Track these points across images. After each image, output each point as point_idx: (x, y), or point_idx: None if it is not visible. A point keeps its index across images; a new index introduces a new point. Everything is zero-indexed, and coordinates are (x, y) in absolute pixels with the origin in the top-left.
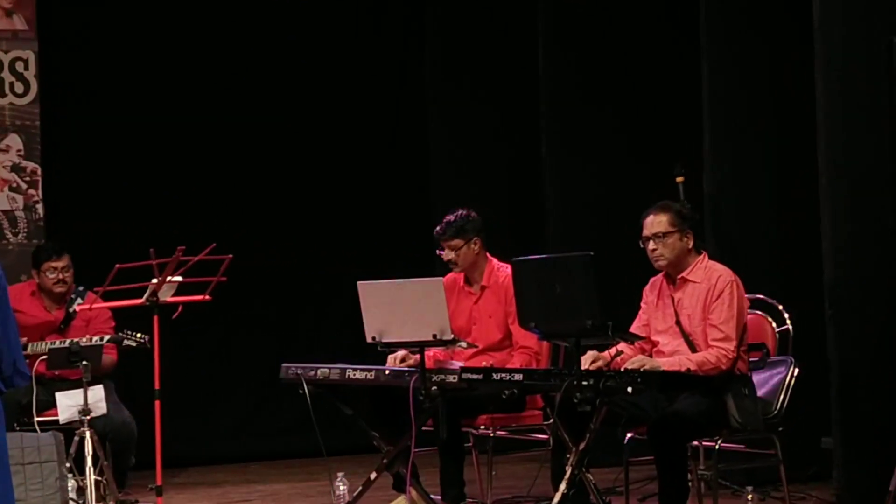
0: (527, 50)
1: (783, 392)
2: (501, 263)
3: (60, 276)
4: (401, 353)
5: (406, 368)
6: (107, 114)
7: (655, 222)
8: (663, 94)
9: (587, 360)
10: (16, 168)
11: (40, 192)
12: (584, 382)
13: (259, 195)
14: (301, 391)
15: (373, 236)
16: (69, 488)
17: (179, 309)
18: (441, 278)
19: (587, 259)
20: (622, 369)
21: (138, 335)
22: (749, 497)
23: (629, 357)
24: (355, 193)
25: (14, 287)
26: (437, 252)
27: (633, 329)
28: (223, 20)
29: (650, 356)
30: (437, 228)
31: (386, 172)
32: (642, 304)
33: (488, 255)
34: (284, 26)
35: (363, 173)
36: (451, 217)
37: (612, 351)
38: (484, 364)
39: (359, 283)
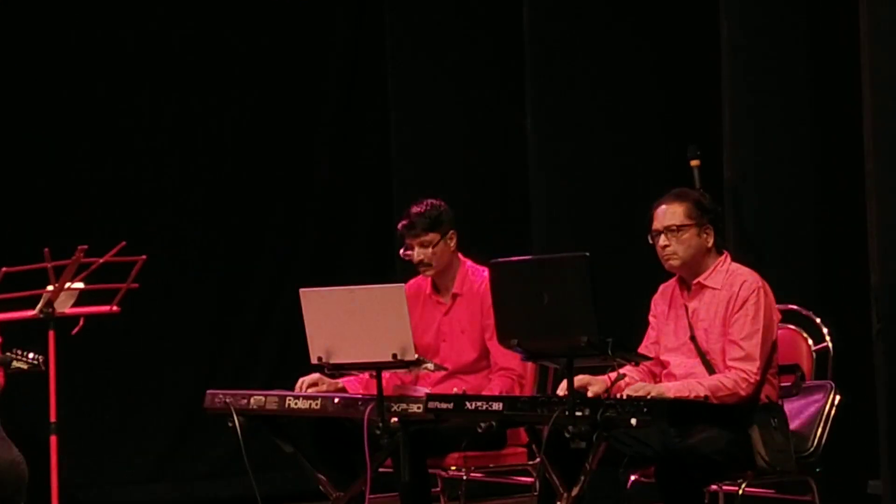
0: (509, 7)
1: (821, 424)
2: (477, 266)
3: None
4: (312, 376)
5: (360, 396)
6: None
7: (669, 213)
8: (674, 59)
9: (577, 384)
10: None
11: None
12: (578, 413)
13: (179, 183)
14: (230, 423)
15: (320, 234)
16: None
17: (81, 322)
18: (402, 285)
19: (582, 261)
20: (624, 397)
21: (30, 355)
22: None
23: (633, 382)
24: (297, 183)
25: None
26: (403, 253)
27: (641, 348)
28: None
29: (660, 380)
30: (404, 222)
31: (337, 158)
32: (650, 317)
33: (461, 256)
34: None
35: (307, 158)
36: (419, 208)
37: (613, 374)
38: (455, 390)
39: (301, 290)
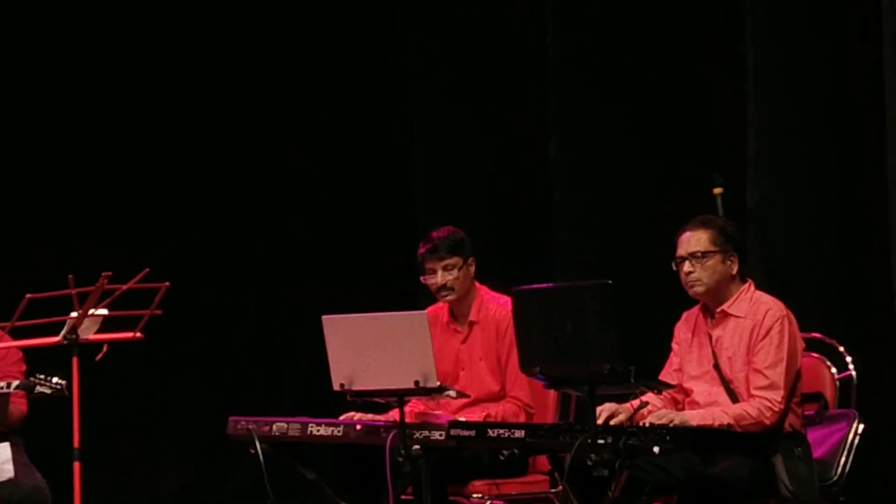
0: (532, 35)
1: (845, 453)
2: (493, 294)
3: None
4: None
5: (382, 423)
6: (13, 111)
7: (693, 240)
8: (697, 86)
9: (603, 414)
10: None
11: None
12: (601, 441)
13: (204, 210)
14: (253, 450)
15: (343, 262)
16: None
17: (104, 349)
18: (425, 312)
19: (604, 288)
20: (647, 425)
21: (54, 380)
22: None
23: (656, 410)
24: (321, 210)
25: None
26: (423, 278)
27: (663, 375)
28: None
29: (683, 408)
30: (426, 245)
31: (360, 185)
32: (673, 345)
33: (477, 284)
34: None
35: (331, 186)
36: (440, 233)
37: (636, 402)
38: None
39: (324, 317)
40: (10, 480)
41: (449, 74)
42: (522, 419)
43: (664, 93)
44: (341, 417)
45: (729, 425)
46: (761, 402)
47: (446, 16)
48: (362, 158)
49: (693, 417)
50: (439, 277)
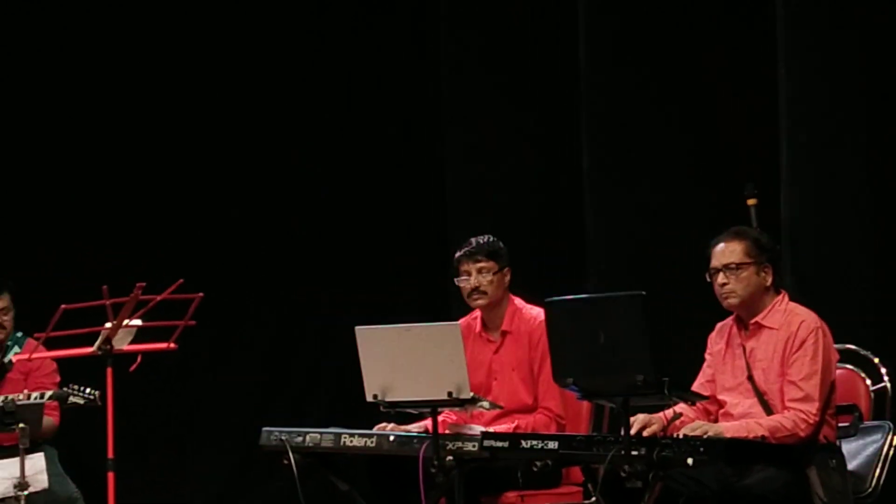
0: (563, 45)
1: (879, 465)
2: (525, 304)
3: None
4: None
5: (415, 434)
6: (48, 118)
7: (728, 251)
8: (731, 98)
9: (636, 425)
10: None
11: None
12: (634, 452)
13: (237, 220)
14: (286, 461)
15: (375, 273)
16: None
17: (138, 359)
18: (458, 323)
19: (638, 299)
20: (680, 436)
21: (87, 390)
22: None
23: (690, 421)
24: (354, 220)
25: None
26: (458, 280)
27: (696, 386)
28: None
29: (715, 419)
30: (466, 248)
31: (392, 198)
32: (706, 356)
33: (511, 294)
34: (263, 22)
35: (362, 198)
36: (479, 238)
37: (669, 413)
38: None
39: (357, 328)
40: (44, 490)
41: (481, 87)
42: (553, 430)
43: (697, 104)
44: (374, 428)
45: (763, 437)
46: (796, 415)
47: (481, 20)
48: (395, 170)
49: (728, 429)
50: (473, 280)
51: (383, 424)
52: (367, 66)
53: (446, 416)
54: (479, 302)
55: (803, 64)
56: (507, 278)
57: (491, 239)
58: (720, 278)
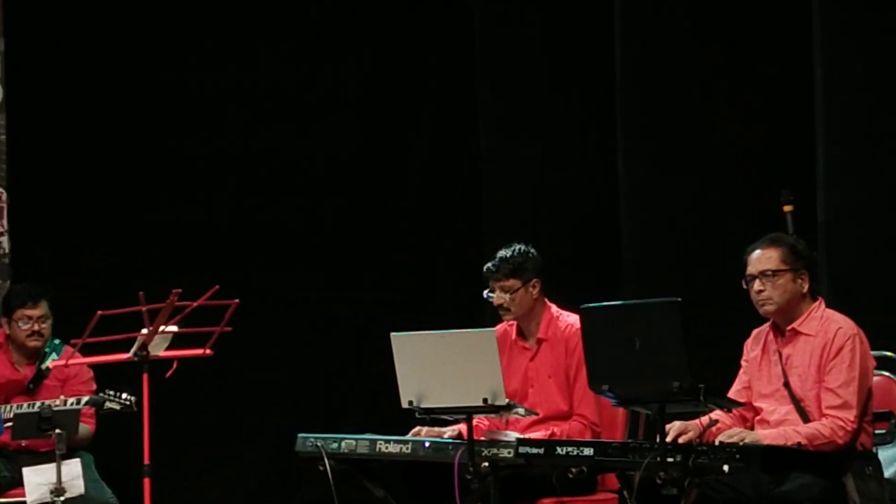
0: (599, 53)
1: None
2: (562, 311)
3: (35, 328)
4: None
5: (450, 440)
6: (88, 128)
7: (764, 258)
8: (766, 103)
9: (672, 432)
10: None
11: (6, 222)
12: (670, 459)
13: (272, 227)
14: (321, 467)
15: (409, 277)
16: None
17: (174, 365)
18: (493, 329)
19: (674, 306)
20: (716, 443)
21: (123, 396)
22: None
23: (726, 427)
24: (387, 225)
25: None
26: (486, 294)
27: (732, 393)
28: (225, 9)
29: (752, 426)
30: (489, 265)
31: (426, 201)
32: (743, 362)
33: (547, 301)
34: (299, 28)
35: (397, 202)
36: (506, 252)
37: (705, 420)
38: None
39: (392, 335)
40: (80, 496)
41: (518, 92)
42: (588, 438)
43: (735, 110)
44: (409, 433)
45: (799, 444)
46: (834, 422)
47: (516, 28)
48: (428, 176)
49: (765, 437)
50: (497, 297)
51: (417, 429)
52: (403, 72)
53: (479, 422)
54: (507, 317)
55: (840, 69)
56: (536, 290)
57: (516, 252)
58: (756, 285)
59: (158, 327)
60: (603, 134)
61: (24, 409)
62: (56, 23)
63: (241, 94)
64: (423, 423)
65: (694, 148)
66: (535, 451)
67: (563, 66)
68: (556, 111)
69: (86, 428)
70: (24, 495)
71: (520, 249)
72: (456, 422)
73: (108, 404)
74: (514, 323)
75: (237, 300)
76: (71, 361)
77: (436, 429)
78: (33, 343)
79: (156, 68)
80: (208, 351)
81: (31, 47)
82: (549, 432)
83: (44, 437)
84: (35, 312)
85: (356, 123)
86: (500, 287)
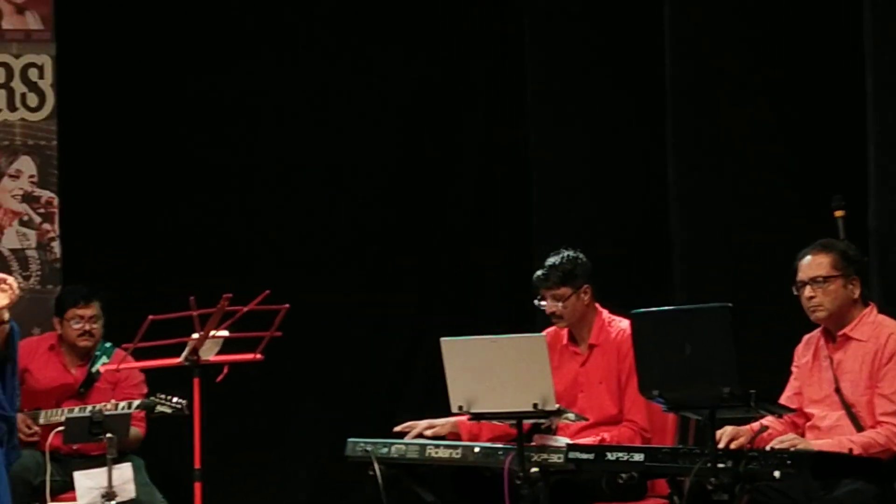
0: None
1: None
2: (613, 317)
3: (87, 328)
4: (423, 423)
5: (500, 445)
6: (139, 134)
7: (814, 264)
8: (817, 108)
9: (724, 437)
10: (28, 198)
11: (57, 226)
12: (721, 465)
13: (323, 232)
14: (371, 472)
15: (459, 281)
16: None
17: (225, 370)
18: (544, 334)
19: (725, 312)
20: (768, 449)
21: (174, 399)
22: None
23: (777, 434)
24: (436, 230)
25: (26, 342)
26: (537, 302)
27: (783, 399)
28: (276, 18)
29: (802, 432)
30: (539, 273)
31: (476, 205)
32: (793, 368)
33: (598, 306)
34: (349, 34)
35: (446, 205)
36: (555, 260)
37: (756, 426)
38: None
39: (442, 339)
40: (131, 500)
41: (567, 96)
42: (638, 443)
43: (786, 115)
44: (400, 427)
45: (850, 450)
46: (889, 429)
47: (566, 33)
48: (478, 179)
49: (819, 446)
50: (548, 305)
51: (410, 423)
52: (450, 77)
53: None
54: (559, 324)
55: (892, 74)
56: (587, 295)
57: (565, 259)
58: (807, 291)
59: (209, 332)
60: (653, 139)
61: (76, 413)
62: (106, 29)
63: (291, 100)
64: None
65: (745, 154)
66: (585, 456)
67: (614, 70)
68: (606, 116)
69: (136, 431)
70: (75, 499)
71: (569, 256)
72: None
73: (159, 407)
74: (566, 329)
75: (288, 305)
76: (122, 366)
77: (424, 421)
78: (84, 343)
79: (203, 73)
80: (259, 356)
81: (82, 53)
82: (598, 438)
83: (95, 441)
84: (87, 312)
85: (404, 128)
86: (552, 295)
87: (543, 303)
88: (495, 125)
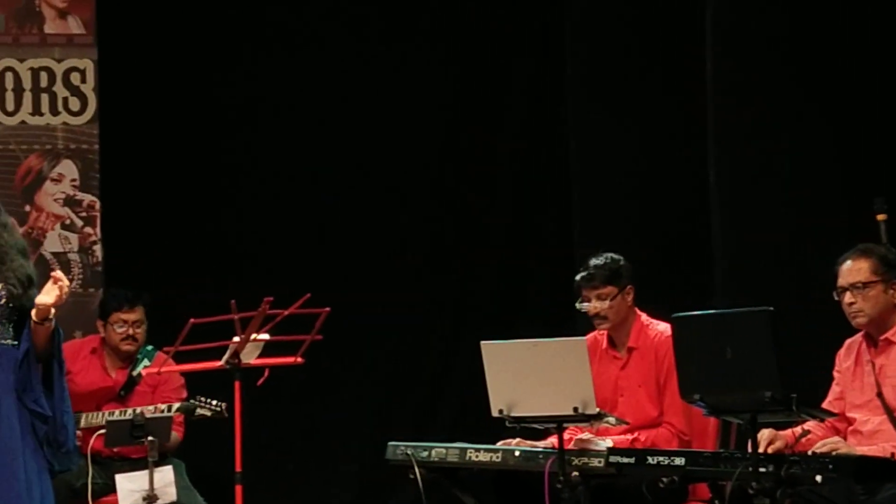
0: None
1: None
2: (651, 320)
3: (131, 332)
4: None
5: (540, 449)
6: (180, 138)
7: (854, 270)
8: (858, 110)
9: (763, 441)
10: (70, 201)
11: (99, 230)
12: (763, 469)
13: (363, 235)
14: (412, 476)
15: (499, 285)
16: None
17: (266, 373)
18: (584, 338)
19: (766, 315)
20: (809, 453)
21: (214, 402)
22: None
23: (818, 438)
24: (476, 233)
25: (68, 345)
26: (579, 304)
27: (825, 403)
28: (317, 24)
29: (844, 437)
30: (583, 273)
31: (516, 209)
32: (835, 373)
33: (637, 310)
34: (389, 35)
35: (486, 209)
36: (598, 260)
37: (798, 430)
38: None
39: (483, 343)
40: (172, 503)
41: (608, 98)
42: (675, 446)
43: (827, 117)
44: (500, 443)
45: (892, 454)
46: None
47: (608, 32)
48: (518, 183)
49: (862, 451)
50: (593, 306)
51: (509, 440)
52: (490, 77)
53: (571, 432)
54: (603, 326)
55: None
56: (630, 297)
57: (609, 260)
58: (847, 297)
59: (250, 335)
60: (695, 142)
61: (117, 416)
62: (148, 33)
63: (331, 101)
64: (513, 432)
65: (787, 157)
66: (625, 460)
67: (656, 71)
68: (648, 118)
69: (175, 435)
70: (116, 502)
71: (612, 257)
72: (548, 433)
73: (199, 410)
74: (605, 332)
75: (328, 308)
76: (163, 369)
77: (527, 442)
78: (127, 347)
79: (244, 76)
80: (300, 359)
81: (123, 57)
82: (633, 437)
83: (136, 444)
84: (131, 316)
85: (445, 129)
86: (597, 295)
87: (585, 304)
88: (536, 126)
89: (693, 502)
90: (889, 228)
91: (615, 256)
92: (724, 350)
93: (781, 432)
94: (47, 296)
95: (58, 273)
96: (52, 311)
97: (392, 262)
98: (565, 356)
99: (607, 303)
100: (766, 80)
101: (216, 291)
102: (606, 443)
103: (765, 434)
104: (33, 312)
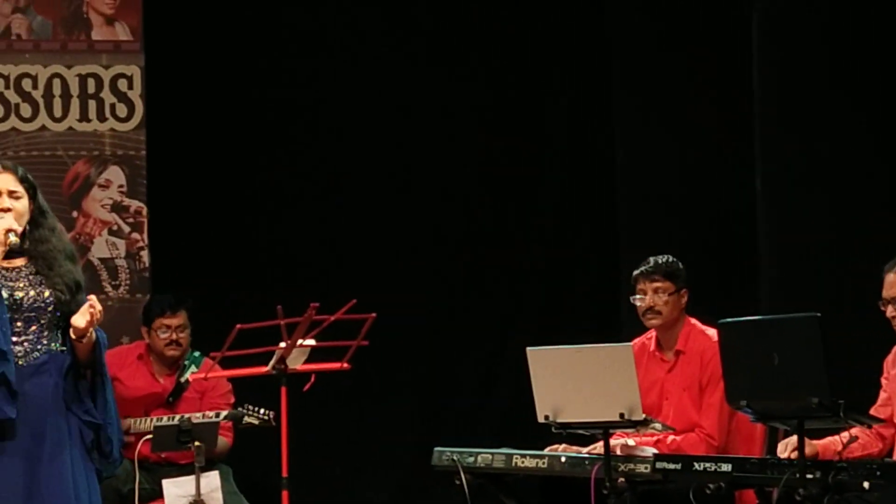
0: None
1: None
2: (701, 326)
3: (174, 337)
4: None
5: (586, 455)
6: (228, 143)
7: None
8: None
9: (790, 448)
10: (117, 207)
11: (146, 236)
12: (809, 475)
13: (409, 240)
14: (458, 481)
15: (544, 290)
16: None
17: (312, 379)
18: (630, 344)
19: (814, 321)
20: (857, 459)
21: (261, 411)
22: None
23: (865, 444)
24: (521, 239)
25: (115, 351)
26: (633, 298)
27: (872, 410)
28: (359, 26)
29: (891, 443)
30: (644, 267)
31: (562, 214)
32: (882, 380)
33: (686, 315)
34: (431, 38)
35: (531, 214)
36: (658, 258)
37: (845, 436)
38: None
39: (528, 349)
40: None
41: (653, 103)
42: (703, 450)
43: (873, 125)
44: (546, 449)
45: None
46: None
47: (653, 41)
48: (563, 189)
49: None
50: (648, 299)
51: (555, 446)
52: (536, 84)
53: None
54: (653, 322)
55: None
56: (684, 300)
57: (670, 259)
58: (890, 311)
59: (296, 341)
60: (741, 148)
61: (164, 421)
62: (195, 39)
63: (374, 107)
64: (559, 438)
65: (833, 165)
66: (672, 466)
67: (700, 80)
68: (693, 124)
69: (224, 441)
70: None
71: (672, 258)
72: (593, 440)
73: (246, 419)
74: (653, 336)
75: (374, 314)
76: (210, 374)
77: (573, 448)
78: (171, 352)
79: (290, 83)
80: (346, 364)
81: (170, 64)
82: (662, 435)
83: (183, 450)
84: (174, 321)
85: (487, 134)
86: (655, 288)
87: (640, 297)
88: (580, 131)
89: None
90: None
91: (675, 259)
92: (771, 356)
93: (824, 439)
94: (81, 317)
95: (94, 300)
96: (90, 331)
97: (438, 268)
98: (611, 362)
99: (664, 297)
100: (812, 86)
101: (262, 297)
102: (652, 449)
103: (790, 442)
104: (70, 330)
